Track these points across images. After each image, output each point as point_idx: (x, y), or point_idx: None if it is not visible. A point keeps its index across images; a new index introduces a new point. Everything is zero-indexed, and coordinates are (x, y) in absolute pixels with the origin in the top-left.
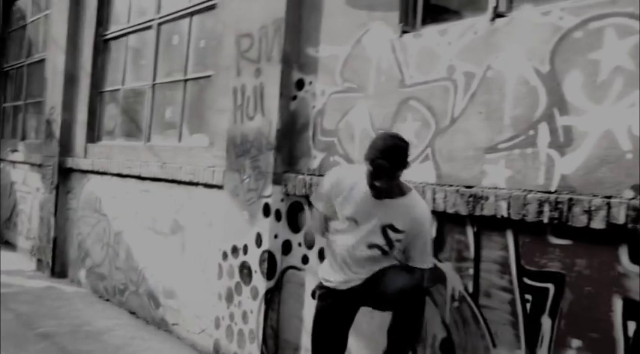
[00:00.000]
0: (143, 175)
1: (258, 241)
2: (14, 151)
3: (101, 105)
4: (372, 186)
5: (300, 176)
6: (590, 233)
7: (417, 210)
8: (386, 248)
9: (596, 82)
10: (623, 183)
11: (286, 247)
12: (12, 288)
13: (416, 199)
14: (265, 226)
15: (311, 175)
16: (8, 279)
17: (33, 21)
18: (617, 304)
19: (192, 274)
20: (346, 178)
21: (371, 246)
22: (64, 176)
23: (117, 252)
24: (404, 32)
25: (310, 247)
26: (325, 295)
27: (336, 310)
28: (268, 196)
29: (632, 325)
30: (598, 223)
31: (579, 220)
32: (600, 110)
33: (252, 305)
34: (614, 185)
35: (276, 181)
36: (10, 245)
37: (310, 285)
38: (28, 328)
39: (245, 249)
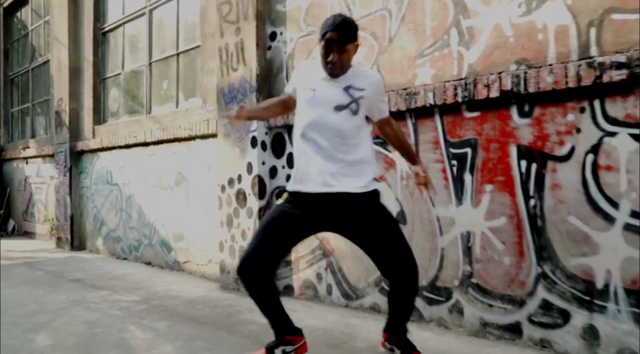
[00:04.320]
0: (148, 140)
1: (249, 169)
2: (26, 148)
3: (105, 90)
4: (326, 63)
5: None
6: (490, 102)
7: (369, 73)
8: (353, 107)
9: None
10: (510, 60)
11: (273, 171)
12: (38, 258)
13: (365, 69)
14: (254, 155)
15: None
16: (32, 254)
17: (34, 28)
18: (513, 150)
19: (197, 214)
20: (306, 67)
21: (338, 108)
22: (76, 159)
23: (129, 214)
24: None
25: (292, 166)
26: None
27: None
28: (254, 131)
29: (523, 163)
30: (494, 93)
31: (482, 93)
32: (490, 10)
33: (248, 223)
34: (504, 63)
35: None
36: (29, 234)
37: None
38: (59, 277)
39: (239, 178)
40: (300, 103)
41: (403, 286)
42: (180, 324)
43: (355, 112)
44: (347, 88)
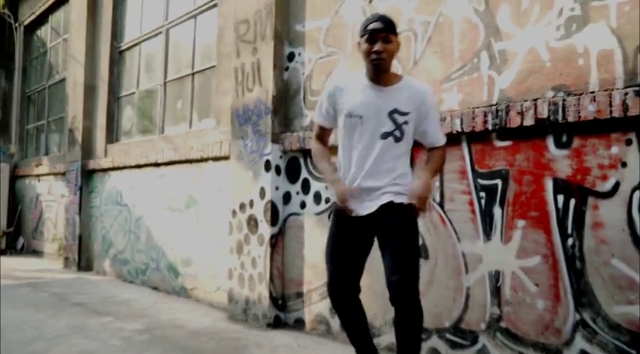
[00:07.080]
0: (159, 161)
1: (262, 194)
2: (39, 165)
3: (118, 109)
4: (369, 54)
5: (295, 133)
6: (524, 131)
7: (417, 86)
8: (397, 134)
9: (520, 11)
10: (546, 86)
11: (286, 197)
12: (43, 279)
13: (413, 80)
14: (267, 180)
15: (304, 131)
16: (39, 274)
17: (52, 46)
18: (549, 184)
19: (206, 239)
20: (340, 81)
21: (383, 135)
22: (87, 178)
23: (138, 236)
24: None
25: (307, 192)
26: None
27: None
28: (268, 154)
29: (560, 198)
30: (529, 121)
31: (515, 121)
32: (525, 33)
33: (259, 251)
34: (540, 89)
35: (275, 140)
36: (37, 253)
37: (309, 226)
38: (63, 301)
39: (251, 203)
40: (344, 126)
41: (397, 305)
42: None
43: (399, 140)
44: (391, 113)
